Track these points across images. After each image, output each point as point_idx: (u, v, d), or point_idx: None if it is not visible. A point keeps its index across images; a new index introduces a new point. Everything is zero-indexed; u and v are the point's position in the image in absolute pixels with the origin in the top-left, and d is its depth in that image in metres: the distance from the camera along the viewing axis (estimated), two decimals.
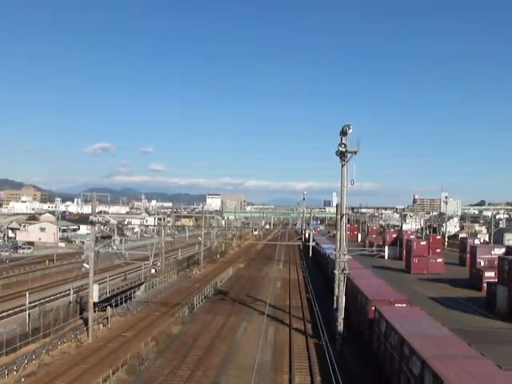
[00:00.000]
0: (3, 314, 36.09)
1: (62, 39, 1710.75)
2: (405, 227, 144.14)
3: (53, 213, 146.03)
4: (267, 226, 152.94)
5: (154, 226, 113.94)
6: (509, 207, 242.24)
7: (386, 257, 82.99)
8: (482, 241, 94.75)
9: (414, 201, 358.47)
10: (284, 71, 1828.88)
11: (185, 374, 25.16)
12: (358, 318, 31.27)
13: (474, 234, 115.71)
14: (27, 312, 34.53)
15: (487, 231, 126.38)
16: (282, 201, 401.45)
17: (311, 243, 64.51)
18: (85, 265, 38.65)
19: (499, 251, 55.37)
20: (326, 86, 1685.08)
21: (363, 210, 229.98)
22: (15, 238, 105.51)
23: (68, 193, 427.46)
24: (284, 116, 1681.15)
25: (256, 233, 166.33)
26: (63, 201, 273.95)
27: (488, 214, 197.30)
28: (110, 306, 39.63)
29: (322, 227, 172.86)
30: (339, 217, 31.23)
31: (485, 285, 45.44)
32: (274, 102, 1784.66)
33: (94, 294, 34.63)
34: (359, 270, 40.96)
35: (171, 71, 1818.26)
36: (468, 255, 67.75)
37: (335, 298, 31.64)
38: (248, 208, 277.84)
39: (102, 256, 51.74)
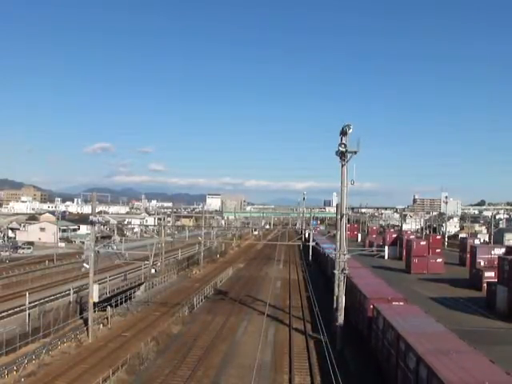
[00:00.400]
0: (3, 314, 36.07)
1: (62, 39, 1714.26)
2: (405, 227, 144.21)
3: (53, 213, 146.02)
4: (267, 226, 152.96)
5: (154, 226, 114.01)
6: (509, 207, 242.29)
7: (386, 257, 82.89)
8: (482, 241, 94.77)
9: (414, 201, 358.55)
10: (284, 71, 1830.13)
11: (185, 373, 25.16)
12: (357, 316, 31.43)
13: (474, 234, 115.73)
14: (27, 312, 34.52)
15: (487, 231, 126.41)
16: (281, 201, 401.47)
17: (311, 243, 64.58)
18: (85, 265, 38.66)
19: (499, 251, 55.41)
20: (326, 86, 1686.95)
21: (363, 210, 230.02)
22: (15, 237, 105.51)
23: (68, 193, 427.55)
24: (284, 116, 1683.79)
25: (256, 233, 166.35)
26: (63, 201, 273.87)
27: (488, 214, 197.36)
28: (110, 305, 39.63)
29: (321, 227, 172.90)
30: (339, 217, 31.21)
31: (485, 285, 45.45)
32: (274, 102, 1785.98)
33: (94, 294, 34.61)
34: (358, 270, 41.16)
35: (171, 71, 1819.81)
36: (468, 255, 67.75)
37: (335, 297, 31.63)
38: (248, 208, 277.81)
39: (101, 256, 51.80)
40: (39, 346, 30.51)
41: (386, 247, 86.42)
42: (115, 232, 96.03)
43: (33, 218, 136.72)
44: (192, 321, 37.31)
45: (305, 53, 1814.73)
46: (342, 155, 29.08)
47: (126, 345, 31.57)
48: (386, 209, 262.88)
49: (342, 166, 29.35)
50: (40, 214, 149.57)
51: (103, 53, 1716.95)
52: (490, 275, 47.34)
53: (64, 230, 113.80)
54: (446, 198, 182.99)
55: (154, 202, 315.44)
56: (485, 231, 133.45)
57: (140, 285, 52.21)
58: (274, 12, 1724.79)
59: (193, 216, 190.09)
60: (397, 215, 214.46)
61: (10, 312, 36.67)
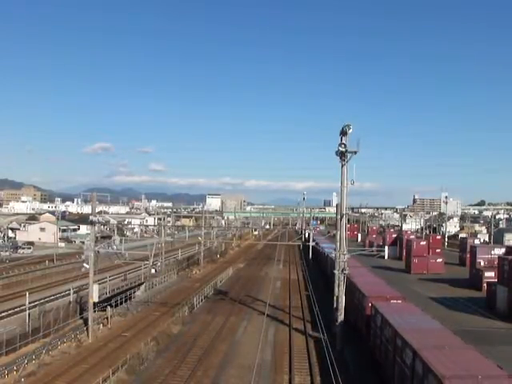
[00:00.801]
0: (3, 314, 36.10)
1: (62, 39, 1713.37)
2: (405, 227, 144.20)
3: (53, 213, 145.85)
4: (267, 226, 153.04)
5: (154, 226, 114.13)
6: (509, 207, 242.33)
7: (386, 257, 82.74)
8: (481, 241, 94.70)
9: (414, 201, 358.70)
10: (284, 71, 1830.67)
11: (185, 373, 25.16)
12: (356, 314, 31.61)
13: (474, 234, 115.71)
14: (27, 312, 34.54)
15: (487, 231, 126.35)
16: (282, 201, 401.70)
17: (311, 243, 64.56)
18: (85, 265, 38.70)
19: (499, 251, 55.34)
20: (326, 86, 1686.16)
21: (363, 210, 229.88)
22: (15, 237, 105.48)
23: (68, 193, 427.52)
24: (284, 116, 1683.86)
25: (256, 233, 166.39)
26: (63, 201, 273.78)
27: (488, 214, 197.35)
28: (110, 306, 39.64)
29: (321, 227, 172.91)
30: (339, 217, 31.21)
31: (485, 285, 45.42)
32: (274, 102, 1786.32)
33: (94, 294, 34.62)
34: (357, 269, 41.33)
35: (171, 71, 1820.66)
36: (468, 255, 67.69)
37: (335, 297, 31.64)
38: (248, 208, 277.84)
39: (101, 256, 51.83)
40: (39, 345, 30.52)
41: (386, 247, 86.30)
42: (115, 232, 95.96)
43: (33, 218, 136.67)
44: (192, 321, 37.30)
45: (305, 53, 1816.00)
46: (341, 155, 29.07)
47: (125, 345, 31.59)
48: (386, 209, 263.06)
49: (342, 166, 29.33)
50: (40, 214, 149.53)
51: (103, 53, 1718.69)
52: (490, 275, 47.29)
53: (64, 230, 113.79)
54: (446, 198, 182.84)
55: (153, 202, 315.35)
56: (485, 231, 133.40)
57: (140, 285, 52.21)
58: (273, 12, 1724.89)
59: (193, 216, 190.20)
60: (397, 215, 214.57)
61: (10, 312, 36.72)
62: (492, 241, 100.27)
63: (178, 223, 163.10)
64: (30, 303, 36.50)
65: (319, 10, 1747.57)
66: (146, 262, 58.06)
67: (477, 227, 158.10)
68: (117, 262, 61.85)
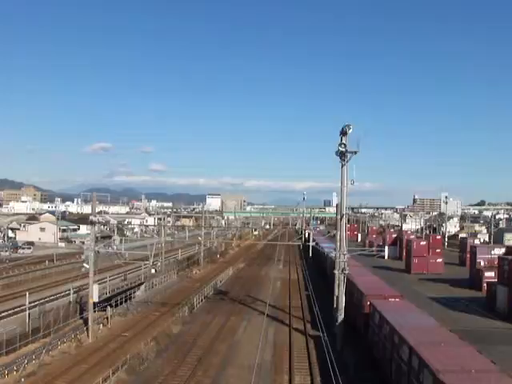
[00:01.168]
0: (3, 313, 36.09)
1: (62, 39, 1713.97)
2: (405, 227, 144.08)
3: (53, 213, 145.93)
4: (267, 226, 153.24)
5: (154, 225, 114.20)
6: (509, 207, 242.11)
7: (386, 257, 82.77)
8: (481, 241, 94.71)
9: (414, 201, 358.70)
10: (284, 71, 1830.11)
11: (185, 374, 25.16)
12: (355, 313, 31.81)
13: (474, 234, 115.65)
14: (27, 312, 34.49)
15: (487, 231, 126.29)
16: (282, 201, 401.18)
17: (311, 243, 64.54)
18: (85, 265, 38.63)
19: (499, 251, 55.33)
20: (326, 86, 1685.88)
21: (363, 210, 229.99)
22: (15, 238, 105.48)
23: (68, 193, 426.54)
24: (284, 116, 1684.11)
25: (256, 233, 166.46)
26: (63, 201, 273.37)
27: (488, 214, 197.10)
28: (110, 306, 39.60)
29: (321, 227, 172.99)
30: (339, 217, 31.22)
31: (485, 285, 45.41)
32: (274, 102, 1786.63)
33: (94, 294, 34.62)
34: (356, 268, 41.52)
35: (171, 71, 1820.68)
36: (468, 255, 67.68)
37: (335, 297, 31.65)
38: (248, 208, 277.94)
39: (101, 256, 51.69)
40: (39, 346, 30.48)
41: (386, 247, 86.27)
42: (115, 232, 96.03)
43: (33, 218, 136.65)
44: (192, 321, 37.31)
45: (305, 53, 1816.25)
46: (341, 155, 29.06)
47: (126, 345, 31.57)
48: (386, 209, 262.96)
49: (342, 166, 29.33)
50: (40, 214, 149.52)
51: (103, 53, 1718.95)
52: (490, 275, 47.27)
53: (64, 230, 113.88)
54: (446, 198, 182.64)
55: (153, 202, 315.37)
56: (485, 231, 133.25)
57: (140, 285, 52.18)
58: (273, 12, 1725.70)
59: (193, 216, 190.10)
60: (397, 215, 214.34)
61: (10, 312, 36.70)
62: (492, 241, 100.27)
63: (178, 223, 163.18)
64: (30, 303, 36.45)
65: (319, 10, 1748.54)
66: (146, 262, 58.04)
67: (477, 227, 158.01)
68: (117, 262, 61.82)
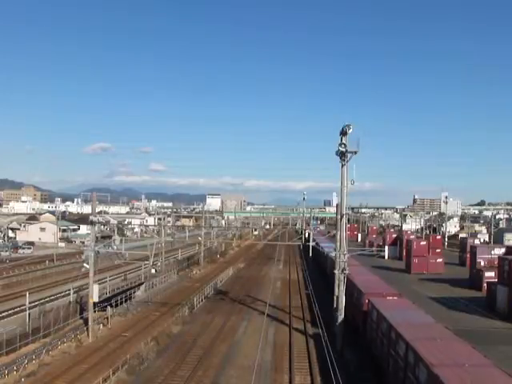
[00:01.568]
0: (3, 314, 36.10)
1: (62, 39, 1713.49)
2: (405, 227, 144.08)
3: (53, 213, 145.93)
4: (267, 226, 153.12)
5: (154, 226, 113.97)
6: (509, 207, 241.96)
7: (386, 257, 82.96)
8: (482, 241, 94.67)
9: (414, 201, 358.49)
10: (284, 71, 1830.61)
11: (185, 374, 25.15)
12: (354, 311, 32.02)
13: (474, 234, 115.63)
14: (27, 312, 34.51)
15: (487, 231, 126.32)
16: (282, 201, 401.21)
17: (311, 243, 64.53)
18: (85, 265, 38.64)
19: (499, 251, 55.31)
20: (326, 86, 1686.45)
21: (363, 210, 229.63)
22: (15, 237, 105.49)
23: (68, 193, 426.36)
24: (284, 116, 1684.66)
25: (256, 233, 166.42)
26: (63, 201, 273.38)
27: (488, 214, 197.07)
28: (110, 305, 39.62)
29: (321, 227, 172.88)
30: (339, 217, 31.22)
31: (485, 285, 45.43)
32: (274, 102, 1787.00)
33: (94, 294, 34.63)
34: (356, 268, 41.70)
35: (171, 71, 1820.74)
36: (468, 255, 67.68)
37: (335, 297, 31.66)
38: (248, 208, 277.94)
39: (101, 256, 51.80)
40: (39, 345, 30.50)
41: (386, 247, 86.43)
42: (115, 232, 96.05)
43: (33, 217, 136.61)
44: (192, 321, 37.31)
45: (305, 53, 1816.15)
46: (341, 155, 29.07)
47: (126, 345, 31.57)
48: (386, 209, 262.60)
49: (342, 166, 29.34)
50: (40, 214, 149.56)
51: (103, 52, 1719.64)
52: (490, 275, 47.30)
53: (64, 230, 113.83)
54: (446, 198, 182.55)
55: (154, 202, 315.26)
56: (485, 231, 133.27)
57: (140, 285, 52.18)
58: (273, 12, 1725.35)
59: (193, 216, 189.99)
60: (397, 215, 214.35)
61: (10, 312, 36.72)
62: (492, 241, 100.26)
63: (178, 223, 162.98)
64: (30, 303, 36.48)
65: (319, 10, 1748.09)
66: (146, 262, 58.04)
67: (477, 227, 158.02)
68: (117, 262, 61.90)
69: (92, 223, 37.51)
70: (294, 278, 64.30)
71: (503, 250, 56.21)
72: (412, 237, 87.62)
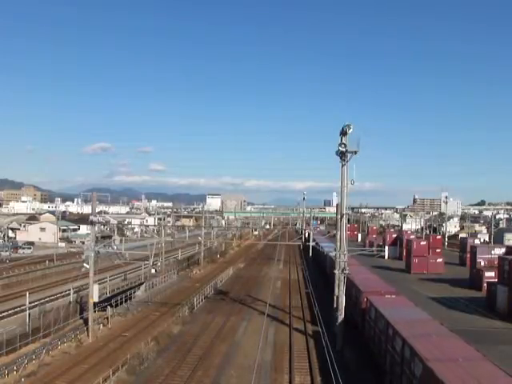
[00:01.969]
0: (3, 313, 36.09)
1: (62, 38, 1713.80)
2: (405, 227, 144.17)
3: (53, 213, 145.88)
4: (267, 226, 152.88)
5: (154, 226, 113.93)
6: (509, 207, 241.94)
7: (386, 257, 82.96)
8: (482, 241, 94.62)
9: (414, 201, 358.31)
10: (284, 71, 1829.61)
11: (185, 374, 25.16)
12: (353, 309, 32.19)
13: (474, 234, 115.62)
14: (27, 312, 34.52)
15: (487, 231, 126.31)
16: (282, 201, 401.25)
17: (311, 243, 64.45)
18: (85, 265, 38.64)
19: (499, 251, 55.29)
20: (327, 86, 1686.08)
21: (363, 210, 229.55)
22: (15, 237, 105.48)
23: (68, 193, 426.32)
24: (284, 116, 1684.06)
25: (256, 233, 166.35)
26: (63, 201, 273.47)
27: (488, 213, 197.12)
28: (110, 305, 39.64)
29: (322, 227, 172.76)
30: (339, 217, 31.21)
31: (485, 285, 45.41)
32: (274, 102, 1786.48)
33: (94, 294, 34.63)
34: (355, 267, 41.82)
35: (171, 71, 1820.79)
36: (468, 255, 67.66)
37: (335, 297, 31.65)
38: (248, 208, 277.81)
39: (101, 256, 51.72)
40: (39, 345, 30.52)
41: (386, 247, 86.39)
42: (115, 232, 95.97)
43: (33, 217, 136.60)
44: (192, 321, 37.30)
45: (305, 53, 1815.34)
46: (342, 155, 29.07)
47: (126, 345, 31.58)
48: (386, 209, 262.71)
49: (342, 165, 29.34)
50: (40, 214, 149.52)
51: (103, 53, 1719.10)
52: (490, 275, 47.30)
53: (64, 230, 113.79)
54: (446, 198, 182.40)
55: (154, 202, 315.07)
56: (485, 231, 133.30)
57: (140, 285, 52.18)
58: (273, 11, 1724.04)
59: (193, 216, 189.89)
60: (397, 215, 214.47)
61: (10, 312, 36.69)
62: (492, 241, 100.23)
63: (178, 223, 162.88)
64: (30, 303, 36.50)
65: (319, 10, 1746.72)
66: (146, 262, 58.02)
67: (477, 227, 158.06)
68: (117, 262, 61.81)
69: (92, 223, 37.49)
70: (294, 278, 64.29)
71: (503, 250, 56.18)
72: (412, 237, 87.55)
